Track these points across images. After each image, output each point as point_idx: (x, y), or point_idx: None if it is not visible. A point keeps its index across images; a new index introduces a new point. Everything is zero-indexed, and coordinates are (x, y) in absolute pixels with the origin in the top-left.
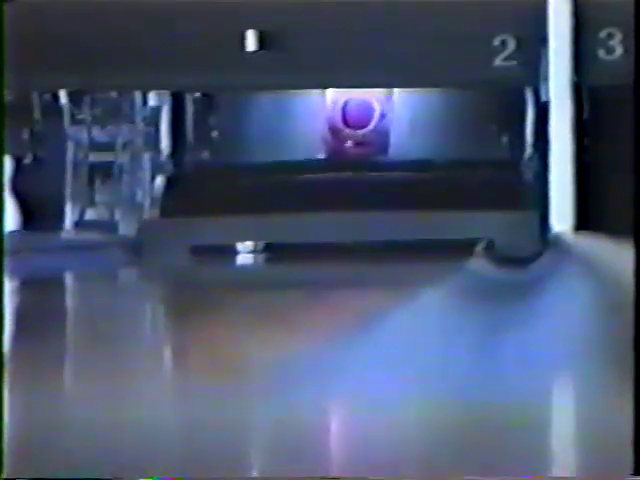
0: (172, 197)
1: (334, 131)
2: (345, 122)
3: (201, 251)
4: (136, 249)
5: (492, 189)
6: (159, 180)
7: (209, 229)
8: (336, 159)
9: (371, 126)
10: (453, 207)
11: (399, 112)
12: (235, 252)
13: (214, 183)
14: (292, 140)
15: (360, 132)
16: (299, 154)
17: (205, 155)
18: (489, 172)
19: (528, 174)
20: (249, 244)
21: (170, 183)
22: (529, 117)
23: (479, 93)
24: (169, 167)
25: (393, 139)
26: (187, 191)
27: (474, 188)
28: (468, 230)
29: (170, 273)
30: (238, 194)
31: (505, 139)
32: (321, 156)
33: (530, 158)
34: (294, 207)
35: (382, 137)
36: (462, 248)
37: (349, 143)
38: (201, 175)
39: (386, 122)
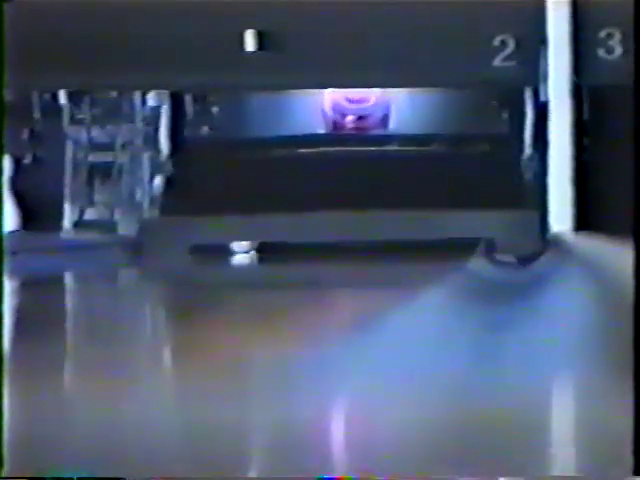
0: (172, 197)
1: (335, 105)
2: (346, 96)
3: (201, 251)
4: (136, 249)
5: (491, 164)
6: (159, 180)
7: (209, 229)
8: (337, 133)
9: (372, 100)
10: (452, 186)
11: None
12: (232, 252)
13: (214, 160)
14: (293, 115)
15: (361, 106)
16: (300, 129)
17: (205, 130)
18: (488, 147)
19: (528, 172)
20: (245, 244)
21: (170, 182)
22: (529, 118)
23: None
24: (169, 166)
25: (394, 113)
26: (187, 189)
27: (473, 163)
28: (468, 230)
29: (170, 273)
30: (238, 169)
31: (505, 115)
32: (322, 130)
33: (530, 158)
34: (294, 183)
35: (383, 111)
36: (462, 248)
37: (350, 117)
38: (201, 155)
39: (387, 96)
